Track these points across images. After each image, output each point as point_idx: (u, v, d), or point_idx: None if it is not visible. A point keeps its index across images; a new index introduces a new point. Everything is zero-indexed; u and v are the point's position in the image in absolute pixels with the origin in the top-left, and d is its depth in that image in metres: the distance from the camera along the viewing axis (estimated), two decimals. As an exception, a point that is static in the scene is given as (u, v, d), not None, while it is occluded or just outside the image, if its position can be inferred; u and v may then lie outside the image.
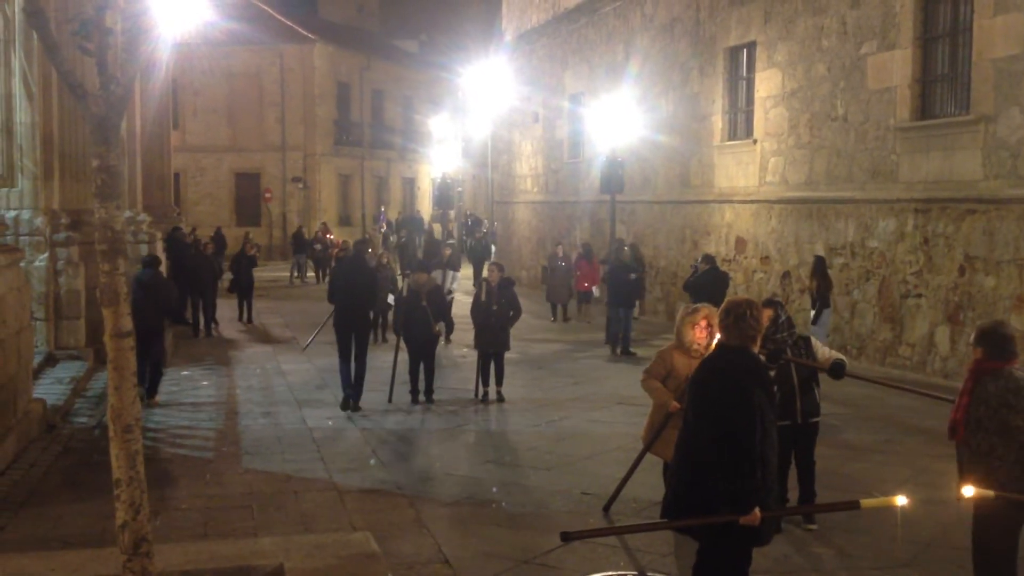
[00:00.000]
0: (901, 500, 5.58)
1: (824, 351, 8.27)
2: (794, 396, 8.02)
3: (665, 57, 22.62)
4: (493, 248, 34.03)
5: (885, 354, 15.84)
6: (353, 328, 12.83)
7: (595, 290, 22.30)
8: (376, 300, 14.05)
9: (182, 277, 19.08)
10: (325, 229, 35.34)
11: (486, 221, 40.27)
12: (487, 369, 13.43)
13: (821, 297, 15.28)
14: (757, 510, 5.19)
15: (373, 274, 14.44)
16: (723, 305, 5.55)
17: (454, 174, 50.86)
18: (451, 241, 29.78)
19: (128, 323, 4.96)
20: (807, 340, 8.28)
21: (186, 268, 19.39)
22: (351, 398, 12.72)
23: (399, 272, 21.09)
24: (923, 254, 15.12)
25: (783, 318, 8.21)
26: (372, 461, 10.28)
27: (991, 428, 5.90)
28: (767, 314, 8.27)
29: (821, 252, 17.10)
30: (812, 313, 15.57)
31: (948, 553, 7.47)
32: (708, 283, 15.67)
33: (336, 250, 28.14)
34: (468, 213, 47.62)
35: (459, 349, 17.57)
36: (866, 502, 5.97)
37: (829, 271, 16.89)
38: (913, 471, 9.84)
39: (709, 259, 16.73)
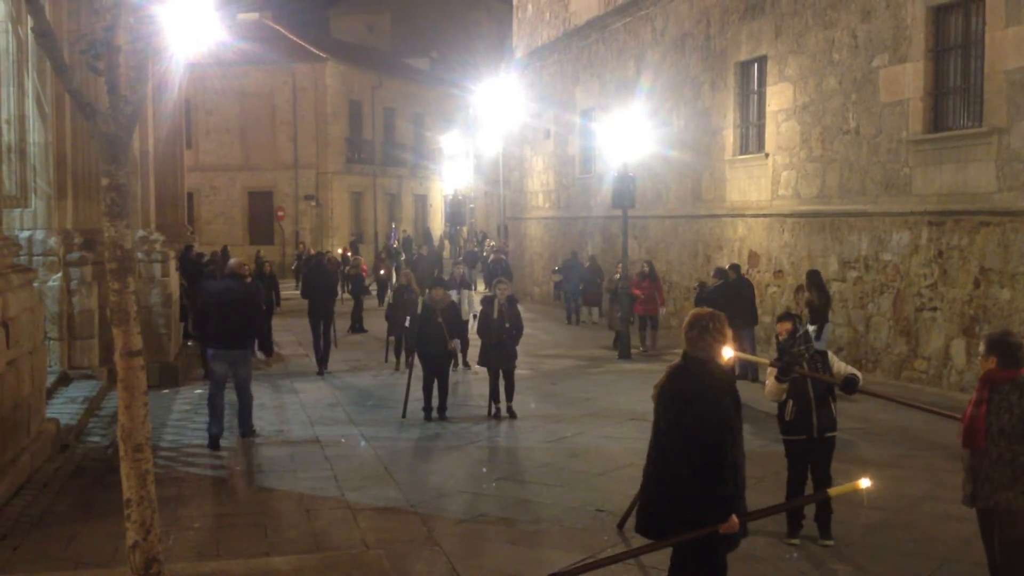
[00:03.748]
0: (865, 483, 5.78)
1: (840, 366, 8.21)
2: (810, 410, 7.97)
3: (676, 72, 22.62)
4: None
5: (900, 368, 15.73)
6: (321, 316, 17.45)
7: (662, 311, 20.34)
8: (335, 295, 18.58)
9: (194, 295, 19.07)
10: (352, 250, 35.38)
11: (489, 239, 39.78)
12: (498, 386, 13.38)
13: (820, 312, 15.07)
14: (734, 517, 5.26)
15: (331, 276, 19.45)
16: (687, 317, 5.63)
17: (466, 191, 50.98)
18: (460, 259, 29.64)
19: (138, 342, 4.95)
20: (824, 355, 8.22)
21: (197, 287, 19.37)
22: (321, 363, 17.20)
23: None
24: (937, 267, 15.04)
25: (800, 331, 8.18)
26: (362, 443, 10.22)
27: (1015, 436, 5.90)
28: (785, 328, 8.25)
29: (835, 265, 17.04)
30: (813, 329, 15.37)
31: (965, 569, 7.39)
32: (725, 296, 15.34)
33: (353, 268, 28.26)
34: (480, 231, 47.67)
35: (474, 367, 17.45)
36: (833, 490, 6.64)
37: (843, 284, 16.83)
38: (930, 485, 9.75)
39: (722, 273, 16.59)
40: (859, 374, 8.14)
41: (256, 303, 12.68)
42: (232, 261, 13.50)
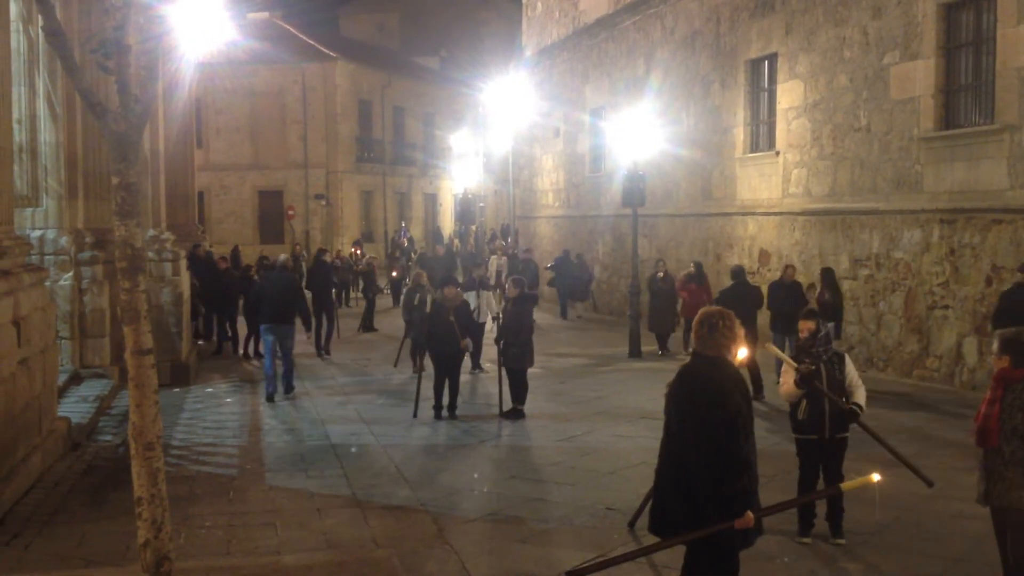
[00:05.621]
0: (876, 477, 6.07)
1: (853, 375, 8.11)
2: (823, 411, 7.92)
3: (686, 70, 22.58)
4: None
5: (912, 366, 15.68)
6: (323, 307, 19.67)
7: None
8: (332, 288, 20.93)
9: (204, 295, 19.15)
10: (358, 246, 35.24)
11: (498, 239, 39.06)
12: (510, 384, 13.36)
13: (837, 310, 15.06)
14: (749, 512, 5.29)
15: (329, 273, 21.66)
16: (697, 316, 5.67)
17: (475, 190, 50.95)
18: (481, 261, 29.18)
19: (148, 340, 4.96)
20: (841, 357, 8.15)
21: (209, 286, 19.42)
22: (319, 347, 19.08)
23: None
24: (949, 265, 14.98)
25: (822, 332, 8.09)
26: (371, 442, 10.26)
27: None
28: (807, 327, 8.14)
29: (846, 263, 16.97)
30: (830, 326, 15.22)
31: (978, 568, 7.36)
32: (735, 298, 14.99)
33: (360, 265, 28.43)
34: (491, 230, 47.53)
35: (485, 367, 17.36)
36: (846, 485, 6.85)
37: (854, 282, 16.78)
38: (941, 484, 9.67)
39: (738, 273, 16.04)
40: (862, 405, 8.01)
41: (299, 289, 15.70)
42: (281, 257, 16.97)
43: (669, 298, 19.30)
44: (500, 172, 48.12)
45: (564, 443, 11.80)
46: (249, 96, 42.88)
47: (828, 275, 15.50)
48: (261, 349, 19.06)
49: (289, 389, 14.81)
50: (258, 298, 15.40)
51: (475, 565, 7.56)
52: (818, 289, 15.33)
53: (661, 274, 19.53)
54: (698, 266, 19.08)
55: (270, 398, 14.45)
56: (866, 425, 8.08)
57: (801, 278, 18.19)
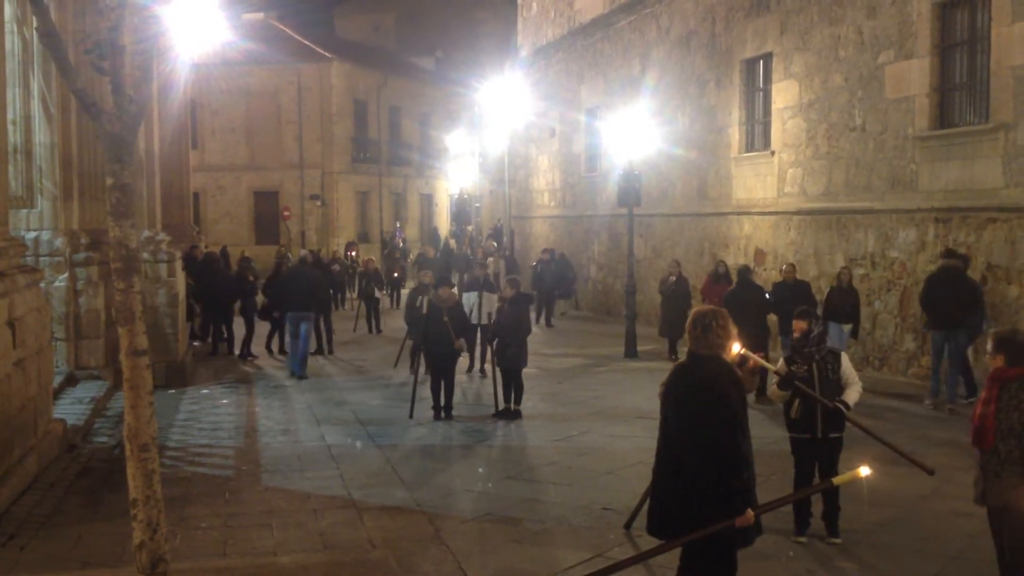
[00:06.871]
0: (864, 471, 6.16)
1: (849, 374, 8.10)
2: (815, 410, 7.92)
3: (681, 70, 22.59)
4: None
5: (908, 364, 15.70)
6: (320, 309, 19.97)
7: None
8: (327, 289, 21.15)
9: (200, 296, 19.12)
10: (352, 248, 35.13)
11: (491, 240, 38.36)
12: (507, 385, 13.37)
13: (856, 309, 15.08)
14: (749, 510, 5.30)
15: (330, 272, 24.25)
16: (691, 316, 5.69)
17: (471, 190, 50.85)
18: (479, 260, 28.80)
19: (143, 341, 4.95)
20: (836, 356, 8.15)
21: (207, 287, 19.40)
22: (329, 350, 19.87)
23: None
24: (944, 264, 14.98)
25: (815, 332, 8.07)
26: (366, 443, 10.25)
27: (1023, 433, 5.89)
28: (800, 327, 8.13)
29: (842, 262, 16.97)
30: (849, 328, 15.19)
31: (974, 566, 7.37)
32: (740, 299, 14.23)
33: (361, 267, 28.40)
34: (490, 229, 47.42)
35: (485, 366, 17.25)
36: (837, 479, 6.93)
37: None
38: (938, 482, 9.68)
39: (742, 273, 15.37)
40: (849, 403, 7.98)
41: (316, 282, 17.87)
42: (302, 252, 20.44)
43: (681, 301, 18.13)
44: (496, 172, 48.12)
45: (560, 443, 11.81)
46: (244, 97, 42.83)
47: (848, 273, 15.44)
48: (270, 345, 19.96)
49: (301, 376, 16.57)
50: (283, 290, 17.58)
51: (471, 565, 7.56)
52: (849, 276, 15.33)
53: (673, 277, 18.44)
54: (725, 266, 17.98)
55: (293, 375, 16.71)
56: (856, 420, 8.06)
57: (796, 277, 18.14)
